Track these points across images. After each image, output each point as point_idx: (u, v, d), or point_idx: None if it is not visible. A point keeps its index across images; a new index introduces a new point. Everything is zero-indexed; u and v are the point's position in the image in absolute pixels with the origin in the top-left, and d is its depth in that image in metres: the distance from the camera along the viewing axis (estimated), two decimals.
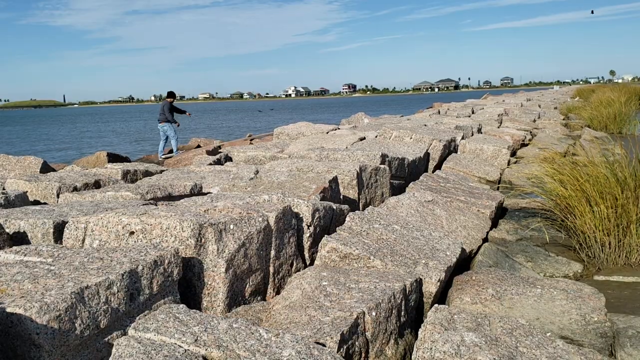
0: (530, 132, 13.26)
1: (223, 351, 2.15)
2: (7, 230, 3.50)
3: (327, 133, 9.72)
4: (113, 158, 10.62)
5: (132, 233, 3.19)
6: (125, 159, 11.03)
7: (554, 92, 50.58)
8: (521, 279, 3.67)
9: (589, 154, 6.00)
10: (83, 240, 3.31)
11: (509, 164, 8.99)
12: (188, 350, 2.15)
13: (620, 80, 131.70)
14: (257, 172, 5.50)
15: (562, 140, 11.84)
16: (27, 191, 4.89)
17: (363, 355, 2.72)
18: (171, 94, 14.01)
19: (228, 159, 8.12)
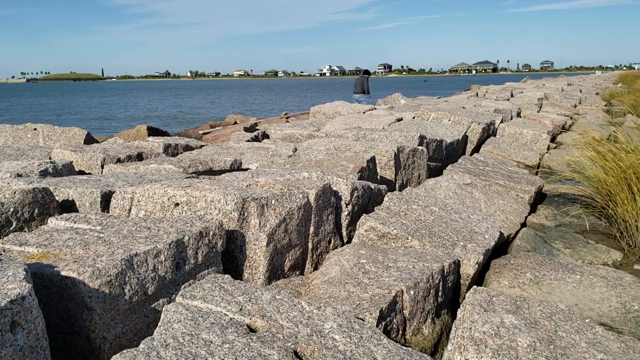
0: (571, 117, 12.99)
1: (267, 321, 2.21)
2: (57, 198, 3.62)
3: (364, 113, 9.69)
4: (153, 132, 10.78)
5: (177, 205, 3.27)
6: (165, 133, 11.19)
7: (595, 77, 49.26)
8: (560, 264, 3.65)
9: (631, 140, 5.87)
10: (129, 210, 3.41)
11: (548, 149, 8.85)
12: (233, 318, 2.22)
13: None
14: (296, 149, 5.55)
15: (603, 127, 11.57)
16: (72, 161, 5.03)
17: (400, 332, 2.76)
18: (367, 71, 18.14)
19: (265, 136, 8.18)
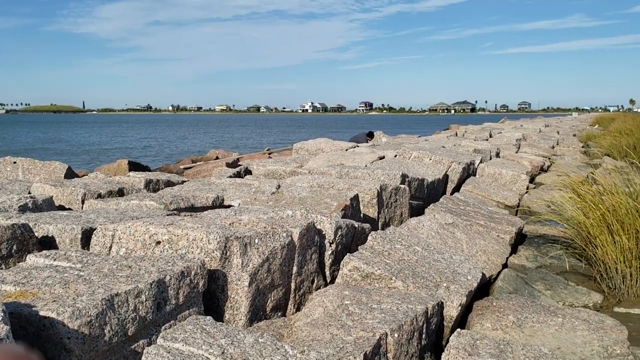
0: (549, 158, 13.21)
1: None
2: (36, 234, 3.56)
3: (347, 150, 9.76)
4: (134, 166, 10.71)
5: (158, 243, 3.24)
6: (146, 168, 11.13)
7: (572, 118, 50.31)
8: (542, 307, 3.66)
9: (609, 182, 5.98)
10: (110, 248, 3.36)
11: (527, 190, 8.97)
12: None
13: None
14: (279, 186, 5.54)
15: (581, 168, 11.77)
16: (52, 196, 4.97)
17: None
18: (371, 133, 16.42)
19: (247, 172, 8.17)
